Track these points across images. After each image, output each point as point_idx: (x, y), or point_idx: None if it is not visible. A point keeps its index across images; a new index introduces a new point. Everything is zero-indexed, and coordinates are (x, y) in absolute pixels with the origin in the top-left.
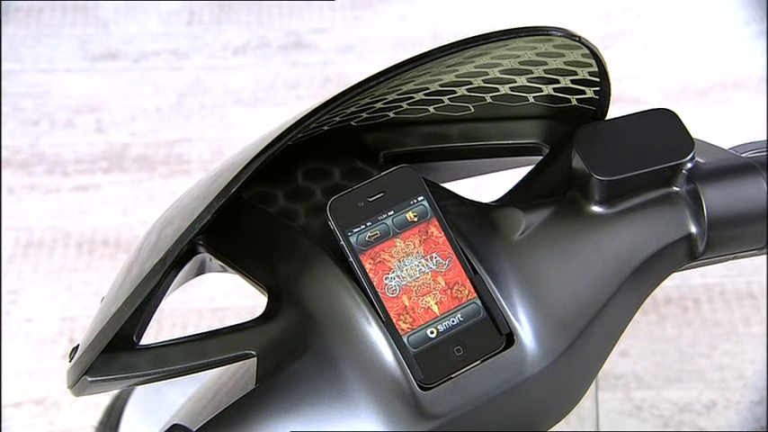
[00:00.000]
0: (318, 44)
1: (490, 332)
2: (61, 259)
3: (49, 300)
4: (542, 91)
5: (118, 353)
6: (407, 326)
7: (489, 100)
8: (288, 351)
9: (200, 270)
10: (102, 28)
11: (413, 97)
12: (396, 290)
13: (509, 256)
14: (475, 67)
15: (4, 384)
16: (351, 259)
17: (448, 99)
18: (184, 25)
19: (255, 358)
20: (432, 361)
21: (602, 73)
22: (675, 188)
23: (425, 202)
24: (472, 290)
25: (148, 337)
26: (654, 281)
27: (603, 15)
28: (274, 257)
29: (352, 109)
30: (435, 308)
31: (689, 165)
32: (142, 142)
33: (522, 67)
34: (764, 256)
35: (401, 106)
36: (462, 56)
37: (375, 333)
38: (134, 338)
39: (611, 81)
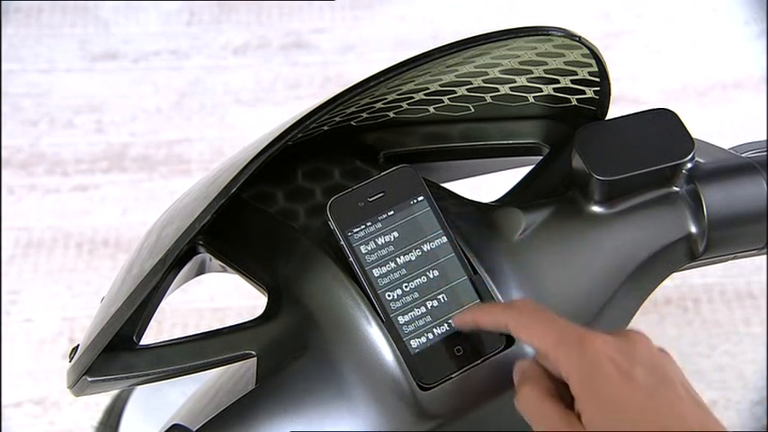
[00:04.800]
0: (318, 44)
1: (490, 332)
2: (61, 259)
3: (49, 300)
4: (542, 91)
5: (118, 353)
6: (407, 326)
7: (489, 100)
8: (288, 351)
9: (201, 270)
10: (102, 28)
11: (413, 97)
12: (396, 290)
13: (509, 256)
14: (475, 67)
15: (4, 384)
16: (351, 259)
17: (448, 99)
18: (184, 25)
19: (255, 358)
20: (432, 361)
21: (602, 73)
22: (675, 188)
23: (425, 202)
24: (472, 290)
25: (148, 338)
26: (654, 280)
27: (603, 15)
28: (274, 257)
29: (353, 109)
30: (435, 308)
31: (689, 165)
32: (142, 142)
33: (522, 67)
34: (764, 256)
35: (401, 106)
36: (462, 56)
37: (375, 333)
38: (134, 338)
39: (611, 81)
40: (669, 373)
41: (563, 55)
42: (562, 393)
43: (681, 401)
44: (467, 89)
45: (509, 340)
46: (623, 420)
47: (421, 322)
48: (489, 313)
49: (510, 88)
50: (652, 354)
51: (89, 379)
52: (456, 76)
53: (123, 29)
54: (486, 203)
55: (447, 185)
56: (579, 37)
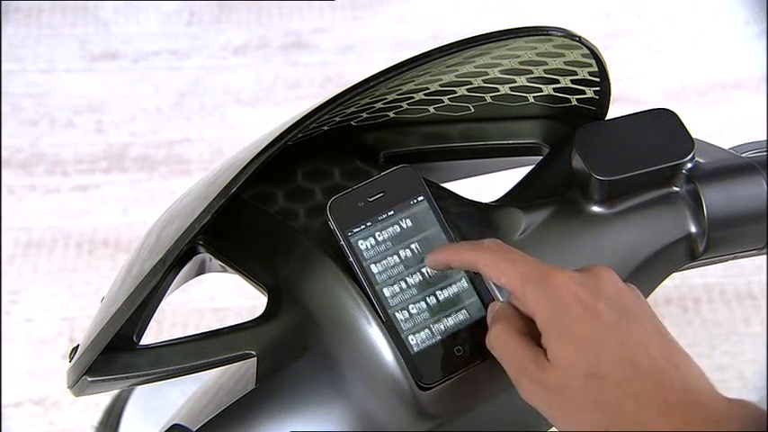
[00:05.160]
0: (318, 44)
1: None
2: (61, 259)
3: (49, 300)
4: (542, 91)
5: (118, 353)
6: (407, 326)
7: (489, 100)
8: (288, 351)
9: (201, 270)
10: (103, 28)
11: (413, 97)
12: (396, 290)
13: None
14: (475, 67)
15: (4, 384)
16: (351, 259)
17: (448, 99)
18: (184, 25)
19: (255, 358)
20: (432, 361)
21: (602, 73)
22: (675, 188)
23: (425, 202)
24: (472, 290)
25: (148, 338)
26: (654, 280)
27: (603, 15)
28: (274, 257)
29: (353, 109)
30: (435, 308)
31: (689, 165)
32: (142, 142)
33: (522, 67)
34: (764, 256)
35: (401, 106)
36: (462, 56)
37: (375, 333)
38: (134, 338)
39: (611, 81)
40: (633, 307)
41: (563, 55)
42: (533, 331)
43: (644, 333)
44: (467, 89)
45: None
46: (586, 353)
47: (421, 322)
48: (459, 252)
49: (510, 88)
50: (616, 288)
51: (89, 379)
52: (456, 76)
53: (123, 29)
54: (486, 203)
55: (447, 185)
56: (579, 37)
